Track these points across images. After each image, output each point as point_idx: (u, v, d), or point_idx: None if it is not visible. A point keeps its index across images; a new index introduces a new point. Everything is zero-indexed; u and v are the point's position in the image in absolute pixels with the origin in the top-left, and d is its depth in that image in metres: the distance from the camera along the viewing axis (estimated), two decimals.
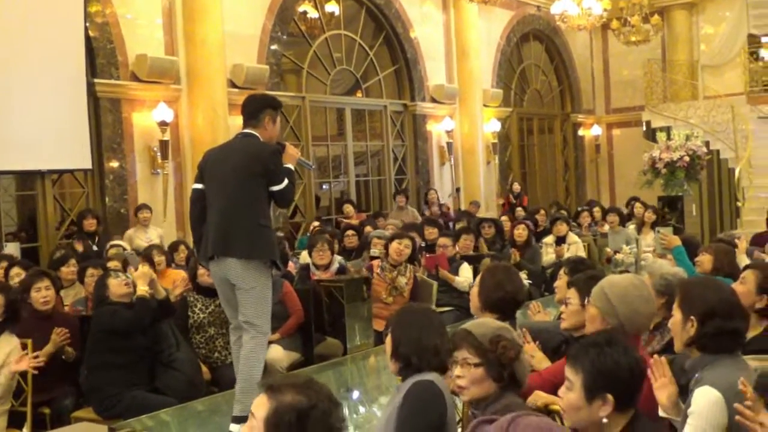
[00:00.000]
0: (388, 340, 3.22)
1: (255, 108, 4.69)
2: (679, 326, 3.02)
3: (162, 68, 9.97)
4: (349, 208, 11.93)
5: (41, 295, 5.36)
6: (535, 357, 3.75)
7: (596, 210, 11.89)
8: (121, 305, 4.96)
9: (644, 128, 16.54)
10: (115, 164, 9.70)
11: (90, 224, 8.74)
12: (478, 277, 4.13)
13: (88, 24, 9.38)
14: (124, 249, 7.68)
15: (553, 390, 3.13)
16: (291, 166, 4.67)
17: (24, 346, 4.91)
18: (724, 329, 2.92)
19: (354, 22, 13.34)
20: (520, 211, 12.57)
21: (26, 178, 9.64)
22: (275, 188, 4.50)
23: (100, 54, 9.61)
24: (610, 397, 2.50)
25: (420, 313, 3.33)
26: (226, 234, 4.47)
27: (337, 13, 12.92)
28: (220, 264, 4.51)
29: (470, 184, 14.97)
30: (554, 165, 18.49)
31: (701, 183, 12.90)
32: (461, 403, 3.31)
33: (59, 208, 9.63)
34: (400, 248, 6.82)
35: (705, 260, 5.20)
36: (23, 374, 4.86)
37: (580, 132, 18.71)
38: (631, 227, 10.24)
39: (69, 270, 6.59)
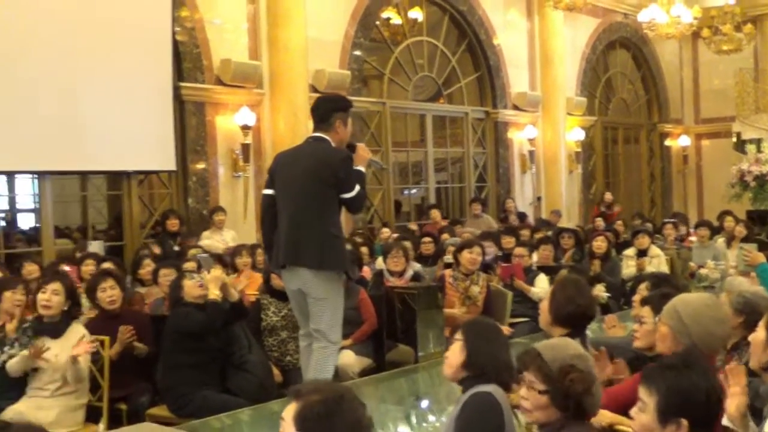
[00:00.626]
0: (458, 347, 3.17)
1: (325, 111, 4.63)
2: (761, 347, 2.87)
3: (245, 73, 10.11)
4: (435, 214, 11.85)
5: (107, 294, 5.44)
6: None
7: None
8: (194, 307, 5.01)
9: (734, 140, 16.03)
10: (198, 166, 9.86)
11: (173, 224, 8.91)
12: (549, 291, 4.04)
13: (175, 29, 9.57)
14: (204, 251, 7.79)
15: (619, 409, 3.02)
16: (362, 168, 4.61)
17: (102, 343, 5.02)
18: None
19: (437, 29, 13.30)
20: (599, 222, 12.28)
21: (115, 179, 9.87)
22: (346, 196, 4.47)
23: (187, 58, 9.80)
24: (684, 422, 2.38)
25: (493, 326, 3.30)
26: (297, 243, 4.46)
27: (420, 19, 12.94)
28: (291, 273, 4.52)
29: (552, 193, 14.75)
30: (639, 175, 18.06)
31: None
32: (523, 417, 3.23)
33: (144, 208, 9.86)
34: (472, 257, 6.71)
35: None
36: (100, 370, 4.99)
37: (667, 142, 18.23)
38: (720, 241, 9.89)
39: (146, 271, 6.73)
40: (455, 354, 3.18)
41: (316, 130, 4.68)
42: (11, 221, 11.64)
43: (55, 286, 4.89)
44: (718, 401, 2.49)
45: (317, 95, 10.76)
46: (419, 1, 12.88)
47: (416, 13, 12.93)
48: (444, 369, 3.29)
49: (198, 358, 4.97)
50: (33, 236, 9.18)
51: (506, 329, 5.37)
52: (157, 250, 8.21)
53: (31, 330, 4.81)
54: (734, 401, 2.75)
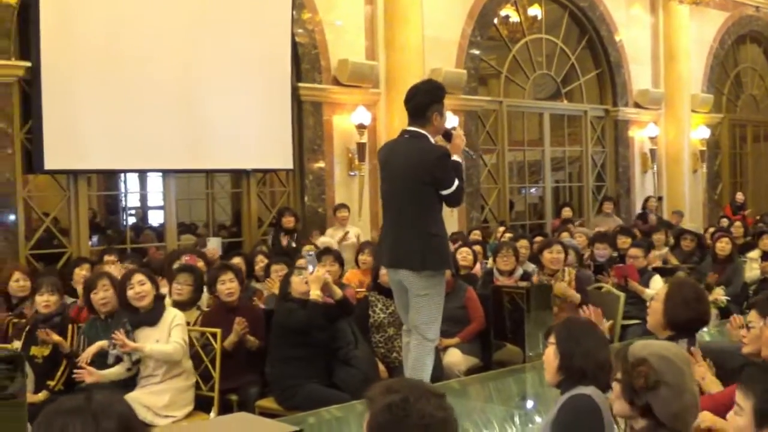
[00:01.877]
0: (552, 351, 3.10)
1: (421, 104, 4.52)
2: None
3: (362, 73, 10.19)
4: (567, 212, 11.71)
5: (226, 287, 5.58)
6: (705, 379, 3.48)
7: None
8: (298, 303, 5.09)
9: None
10: (314, 165, 10.03)
11: (288, 221, 9.06)
12: (663, 292, 3.90)
13: (295, 31, 9.76)
14: (317, 247, 7.90)
15: (725, 414, 2.89)
16: (458, 158, 4.51)
17: (215, 336, 5.17)
18: None
19: (557, 26, 13.05)
20: (724, 222, 11.68)
21: (236, 177, 10.15)
22: (445, 192, 4.41)
23: (305, 59, 9.97)
24: None
25: (586, 325, 3.20)
26: (398, 245, 4.45)
27: (539, 16, 12.73)
28: (394, 272, 4.54)
29: (674, 193, 14.24)
30: None
31: None
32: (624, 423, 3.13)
33: (263, 206, 10.10)
34: (552, 257, 6.64)
35: None
36: (212, 361, 5.12)
37: None
38: None
39: (259, 267, 6.89)
40: (550, 358, 3.11)
41: (411, 123, 4.57)
42: (142, 217, 12.17)
43: (140, 277, 5.04)
44: None
45: None
46: None
47: (535, 10, 12.76)
48: (545, 374, 3.24)
49: (303, 352, 5.04)
50: (161, 232, 9.54)
51: (608, 325, 5.20)
52: (264, 248, 8.33)
53: (128, 324, 4.92)
54: None
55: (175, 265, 6.20)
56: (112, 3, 8.36)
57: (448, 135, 4.59)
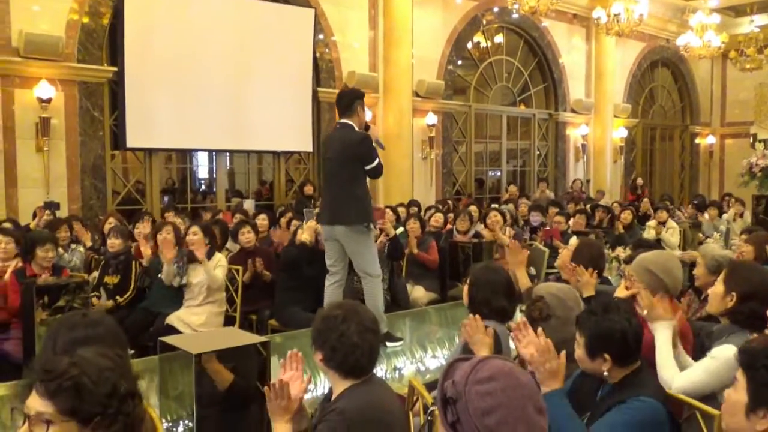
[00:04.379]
0: (467, 288, 3.04)
1: (348, 101, 4.31)
2: (719, 298, 2.63)
3: (366, 81, 10.06)
4: (513, 189, 11.64)
5: (244, 237, 5.59)
6: (582, 278, 3.38)
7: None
8: (297, 246, 5.04)
9: (751, 140, 14.84)
10: None
11: (308, 190, 9.06)
12: (574, 246, 3.87)
13: (315, 48, 9.64)
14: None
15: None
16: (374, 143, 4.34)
17: (237, 272, 5.15)
18: (758, 312, 2.50)
19: (515, 50, 12.84)
20: (646, 203, 11.47)
21: (268, 156, 10.09)
22: (368, 167, 4.24)
23: (323, 70, 9.86)
24: (607, 356, 2.20)
25: (496, 269, 3.10)
26: (333, 206, 4.31)
27: (502, 42, 12.53)
28: (331, 228, 4.36)
29: (599, 177, 14.08)
30: (672, 166, 16.98)
31: None
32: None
33: (289, 177, 10.05)
34: (491, 220, 6.67)
35: (747, 251, 4.43)
36: (236, 290, 5.09)
37: (697, 140, 17.04)
38: (726, 216, 9.22)
39: (284, 219, 6.79)
40: (464, 293, 3.04)
41: (341, 117, 4.38)
42: (209, 185, 12.07)
43: (194, 229, 5.02)
44: (636, 338, 2.23)
45: (418, 99, 10.76)
46: (502, 28, 12.48)
47: (499, 38, 12.55)
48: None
49: (295, 283, 5.01)
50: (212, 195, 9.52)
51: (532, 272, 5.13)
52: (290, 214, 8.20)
53: (186, 258, 4.91)
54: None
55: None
56: (178, 23, 8.28)
57: (367, 127, 4.41)
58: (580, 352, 2.25)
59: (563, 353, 2.18)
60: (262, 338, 2.67)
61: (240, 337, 2.72)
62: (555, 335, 2.46)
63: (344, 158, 4.25)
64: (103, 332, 1.76)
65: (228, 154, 9.76)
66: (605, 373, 2.19)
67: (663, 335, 2.51)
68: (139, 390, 1.41)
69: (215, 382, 2.50)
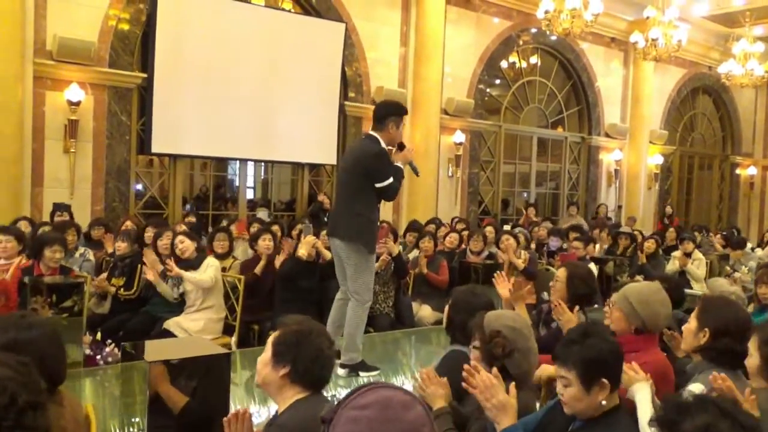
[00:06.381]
0: (446, 311, 2.96)
1: (382, 114, 4.08)
2: (692, 334, 2.50)
3: (394, 97, 9.89)
4: (531, 211, 11.37)
5: (265, 244, 5.59)
6: (563, 317, 3.27)
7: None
8: (293, 259, 5.01)
9: None
10: None
11: (327, 202, 9.00)
12: (565, 273, 3.72)
13: (345, 63, 9.66)
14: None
15: None
16: (400, 164, 4.08)
17: (239, 281, 5.12)
18: (732, 348, 2.36)
19: (549, 72, 12.67)
20: (671, 233, 11.18)
21: (293, 167, 10.11)
22: (378, 185, 3.96)
23: (351, 84, 9.87)
24: (605, 381, 2.06)
25: (474, 294, 3.02)
26: (334, 219, 4.15)
27: (537, 63, 12.39)
28: (332, 241, 4.17)
29: (632, 204, 13.76)
30: (710, 197, 16.50)
31: None
32: None
33: (312, 190, 10.04)
34: (503, 245, 6.52)
35: (762, 292, 4.21)
36: (237, 298, 5.07)
37: (737, 171, 16.54)
38: (760, 253, 8.87)
39: (295, 231, 6.80)
40: (446, 314, 2.97)
41: (372, 129, 4.12)
42: (233, 193, 12.18)
43: (181, 237, 5.04)
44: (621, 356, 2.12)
45: (447, 116, 10.68)
46: (537, 49, 12.34)
47: (534, 59, 12.42)
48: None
49: (291, 295, 4.99)
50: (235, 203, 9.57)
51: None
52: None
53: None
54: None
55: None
56: (210, 32, 8.39)
57: (401, 146, 4.18)
58: (573, 390, 2.04)
59: (512, 385, 2.07)
60: (224, 350, 2.61)
61: (203, 348, 2.67)
62: (519, 369, 2.38)
63: (354, 170, 4.03)
64: (36, 336, 1.74)
65: (253, 163, 9.81)
66: (603, 403, 2.02)
67: (643, 396, 2.35)
68: (44, 400, 1.37)
69: (167, 405, 2.45)
